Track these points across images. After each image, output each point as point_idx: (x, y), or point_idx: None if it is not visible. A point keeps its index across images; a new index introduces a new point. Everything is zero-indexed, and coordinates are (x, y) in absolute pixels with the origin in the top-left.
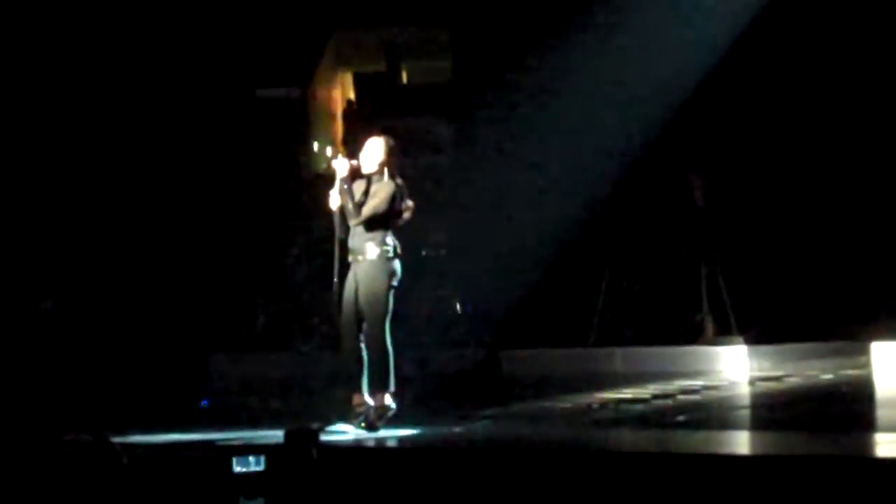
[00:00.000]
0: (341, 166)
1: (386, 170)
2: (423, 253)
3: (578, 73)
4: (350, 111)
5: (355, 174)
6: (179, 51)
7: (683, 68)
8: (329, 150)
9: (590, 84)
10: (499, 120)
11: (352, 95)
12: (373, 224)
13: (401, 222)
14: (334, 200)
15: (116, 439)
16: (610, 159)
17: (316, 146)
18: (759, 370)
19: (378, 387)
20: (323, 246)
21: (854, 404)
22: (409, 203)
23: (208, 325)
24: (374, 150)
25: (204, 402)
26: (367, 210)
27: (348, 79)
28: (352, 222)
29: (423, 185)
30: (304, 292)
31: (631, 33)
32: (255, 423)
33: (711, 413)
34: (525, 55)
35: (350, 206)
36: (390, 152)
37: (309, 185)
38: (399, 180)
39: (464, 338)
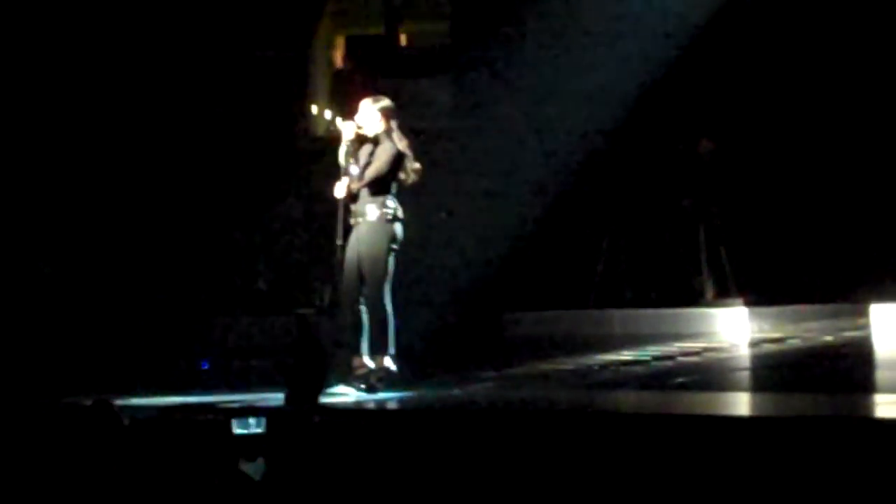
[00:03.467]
0: (347, 129)
1: (389, 132)
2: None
3: (579, 29)
4: (348, 74)
5: (361, 137)
6: (180, 12)
7: (689, 19)
8: (328, 114)
9: (592, 41)
10: (498, 81)
11: (350, 58)
12: (375, 186)
13: (407, 184)
14: (340, 189)
15: (117, 402)
16: (614, 117)
17: (315, 109)
18: (759, 332)
19: (378, 349)
20: (325, 208)
21: (854, 366)
22: (416, 165)
23: (209, 288)
24: (370, 113)
25: (204, 365)
26: (369, 172)
27: (345, 41)
28: (355, 185)
29: (423, 148)
30: (306, 255)
31: None
32: (256, 386)
33: (711, 375)
34: (524, 13)
35: (354, 168)
36: (387, 114)
37: (309, 149)
38: (405, 142)
39: (464, 301)
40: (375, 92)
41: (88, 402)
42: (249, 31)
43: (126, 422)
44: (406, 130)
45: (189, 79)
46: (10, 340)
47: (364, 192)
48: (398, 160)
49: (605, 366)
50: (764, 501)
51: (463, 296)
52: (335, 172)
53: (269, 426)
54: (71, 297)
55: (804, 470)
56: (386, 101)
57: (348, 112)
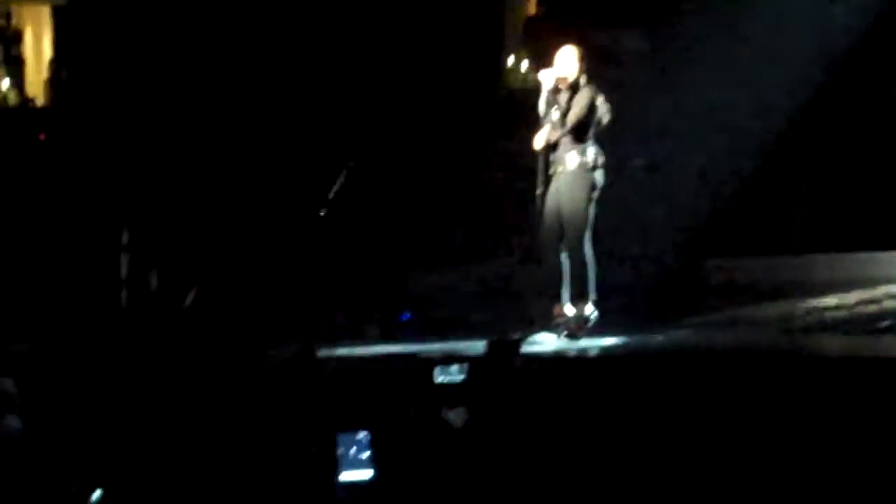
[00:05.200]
0: (546, 77)
1: (585, 79)
2: (636, 162)
3: None
4: (539, 24)
5: (559, 85)
6: None
7: None
8: (525, 65)
9: None
10: (694, 29)
11: (542, 4)
12: (576, 134)
13: (601, 129)
14: (539, 140)
15: (320, 352)
16: (813, 64)
17: (511, 60)
18: None
19: (579, 297)
20: (523, 160)
21: None
22: (609, 113)
23: (409, 241)
24: (569, 60)
25: (405, 316)
26: (570, 119)
27: None
28: (555, 134)
29: (617, 99)
30: (505, 205)
31: None
32: (457, 336)
33: None
34: None
35: (554, 117)
36: (584, 61)
37: (507, 100)
38: (597, 89)
39: (665, 249)
40: (569, 40)
41: (292, 352)
42: None
43: (329, 370)
44: (599, 77)
45: (383, 32)
46: (215, 291)
47: (564, 141)
48: (597, 106)
49: (808, 311)
50: None
51: (663, 244)
52: (534, 123)
53: (470, 374)
54: (274, 249)
55: None
56: (582, 50)
57: (544, 61)
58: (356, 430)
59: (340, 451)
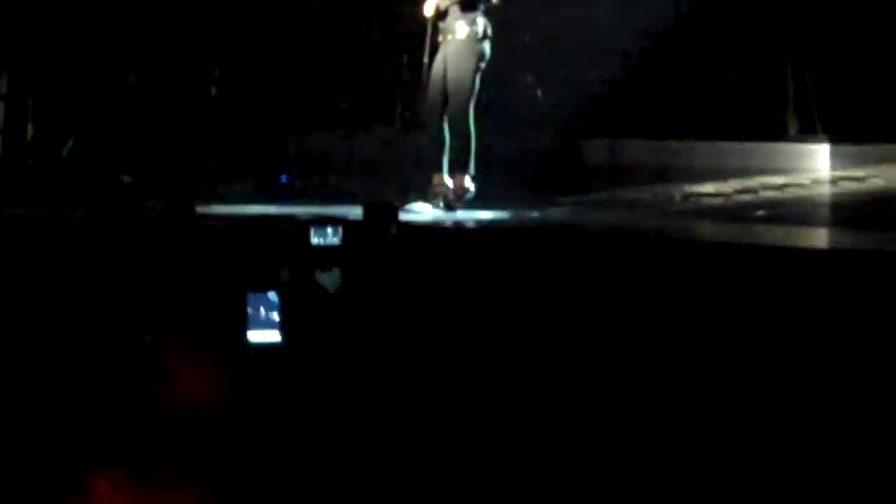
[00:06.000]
0: None
1: None
2: (526, 39)
3: None
4: None
5: None
6: None
7: None
8: None
9: None
10: None
11: None
12: (466, 4)
13: (491, 4)
14: (429, 7)
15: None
16: None
17: None
18: (842, 170)
19: (459, 168)
20: (411, 27)
21: None
22: None
23: (293, 105)
24: None
25: (283, 178)
26: None
27: None
28: (445, 2)
29: None
30: (391, 73)
31: None
32: (335, 200)
33: (792, 209)
34: None
35: None
36: None
37: None
38: None
39: (546, 126)
40: None
41: (167, 205)
42: None
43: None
44: None
45: None
46: (93, 143)
47: (454, 10)
48: None
49: (686, 196)
50: (838, 334)
51: (546, 121)
52: None
53: (345, 238)
54: (157, 107)
55: (880, 304)
56: None
57: None
58: (265, 289)
59: (249, 310)
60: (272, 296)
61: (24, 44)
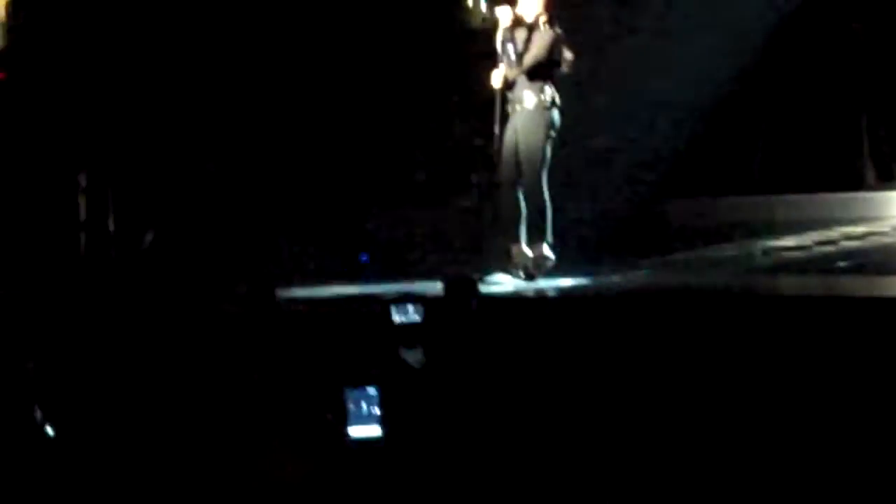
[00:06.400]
0: (504, 14)
1: (548, 18)
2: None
3: None
4: None
5: (517, 23)
6: None
7: None
8: (483, 4)
9: None
10: None
11: None
12: (533, 73)
13: (559, 73)
14: (496, 79)
15: (279, 293)
16: (771, 8)
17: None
18: None
19: (537, 237)
20: (482, 98)
21: None
22: (569, 55)
23: (370, 181)
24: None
25: (364, 258)
26: (528, 59)
27: None
28: (512, 72)
29: (580, 37)
30: (463, 146)
31: None
32: (415, 276)
33: (875, 258)
34: None
35: (512, 55)
36: (549, 2)
37: (467, 38)
38: (559, 30)
39: (626, 189)
40: None
41: (249, 290)
42: None
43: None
44: (561, 20)
45: None
46: (175, 236)
47: (521, 79)
48: (556, 46)
49: (766, 251)
50: None
51: (623, 184)
52: (493, 61)
53: (427, 314)
54: (237, 193)
55: None
56: None
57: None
58: (364, 384)
59: (350, 406)
60: (371, 390)
61: (102, 136)
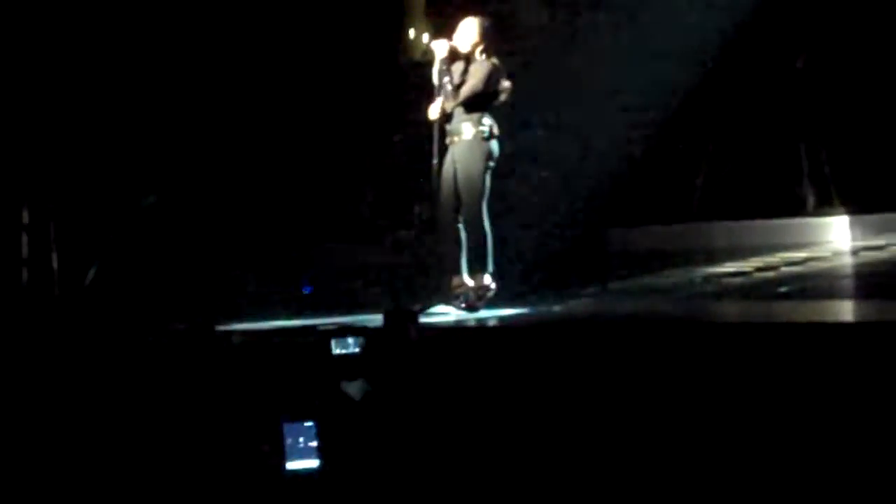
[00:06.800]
0: (440, 47)
1: (484, 49)
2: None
3: None
4: None
5: (454, 55)
6: None
7: None
8: (426, 37)
9: None
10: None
11: None
12: (470, 105)
13: (497, 103)
14: (433, 111)
15: (220, 327)
16: (713, 34)
17: (412, 33)
18: (862, 240)
19: (477, 267)
20: (424, 131)
21: None
22: (507, 84)
23: (312, 215)
24: (469, 31)
25: (307, 289)
26: (464, 90)
27: None
28: (449, 104)
29: (519, 68)
30: (406, 177)
31: None
32: (356, 308)
33: (815, 283)
34: None
35: (448, 87)
36: (484, 33)
37: (406, 74)
38: (496, 60)
39: (566, 217)
40: (470, 10)
41: (188, 326)
42: None
43: (231, 342)
44: (500, 52)
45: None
46: (117, 271)
47: (459, 111)
48: (493, 77)
49: (707, 278)
50: (869, 408)
51: (563, 213)
52: (430, 94)
53: (366, 346)
54: (174, 226)
55: None
56: (486, 21)
57: (444, 32)
58: (302, 418)
59: (288, 441)
60: (308, 423)
61: (44, 172)
